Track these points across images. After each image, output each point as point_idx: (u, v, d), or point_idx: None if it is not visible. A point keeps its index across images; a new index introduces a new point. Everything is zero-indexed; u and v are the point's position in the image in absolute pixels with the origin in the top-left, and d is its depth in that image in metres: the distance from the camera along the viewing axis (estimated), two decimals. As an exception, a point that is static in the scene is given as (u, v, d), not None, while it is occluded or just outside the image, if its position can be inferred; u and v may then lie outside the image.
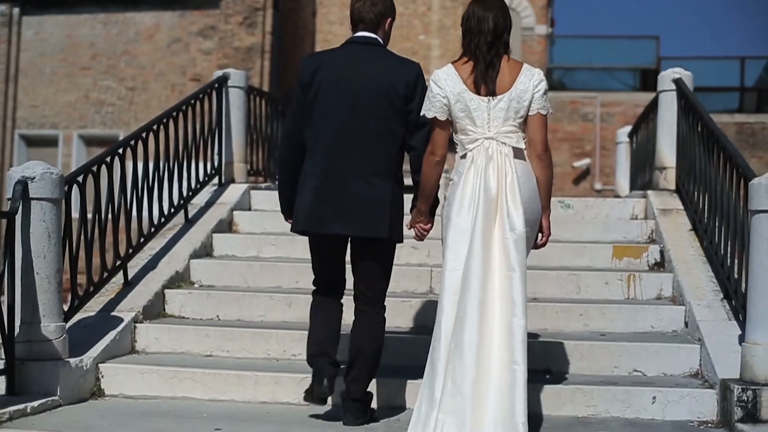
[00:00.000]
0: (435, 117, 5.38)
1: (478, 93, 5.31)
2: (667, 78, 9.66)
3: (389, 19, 5.82)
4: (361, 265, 5.78)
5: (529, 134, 5.40)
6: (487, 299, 5.14)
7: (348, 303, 5.98)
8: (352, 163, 5.62)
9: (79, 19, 25.56)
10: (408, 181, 5.85)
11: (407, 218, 5.82)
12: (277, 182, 11.09)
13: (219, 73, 10.09)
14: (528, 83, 5.34)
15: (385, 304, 5.90)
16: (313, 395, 5.76)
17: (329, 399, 5.98)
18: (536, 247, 5.64)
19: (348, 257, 5.90)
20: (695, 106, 8.50)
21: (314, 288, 5.99)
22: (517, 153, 5.32)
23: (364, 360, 5.74)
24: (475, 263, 5.15)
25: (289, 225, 6.03)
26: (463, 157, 5.36)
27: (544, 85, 5.41)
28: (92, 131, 25.33)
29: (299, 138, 5.76)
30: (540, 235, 5.59)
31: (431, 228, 5.79)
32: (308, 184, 5.68)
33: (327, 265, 5.89)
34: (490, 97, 5.31)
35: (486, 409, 5.05)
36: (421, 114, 5.46)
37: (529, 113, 5.35)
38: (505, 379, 5.07)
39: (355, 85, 5.63)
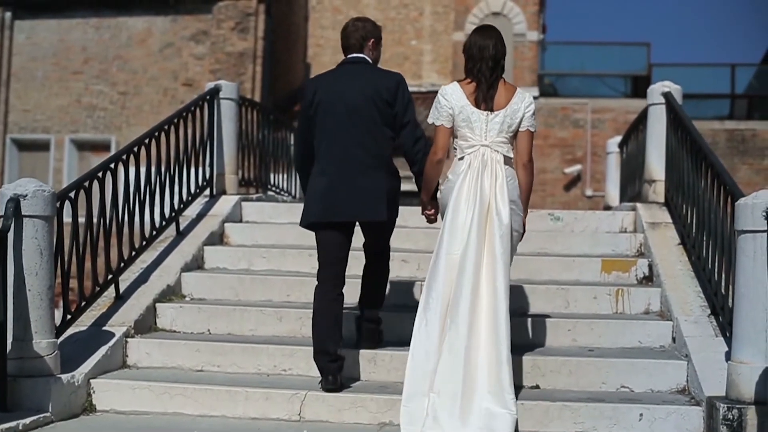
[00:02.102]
0: (442, 125, 6.32)
1: (478, 108, 6.26)
2: (656, 91, 9.72)
3: (372, 40, 6.87)
4: (369, 240, 6.98)
5: (518, 146, 6.35)
6: (479, 284, 6.02)
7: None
8: (353, 161, 6.60)
9: (72, 23, 25.57)
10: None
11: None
12: (269, 194, 11.24)
13: (211, 84, 10.12)
14: (520, 104, 6.32)
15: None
16: (324, 388, 6.46)
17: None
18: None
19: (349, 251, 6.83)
20: (684, 120, 8.55)
21: (318, 281, 6.68)
22: (506, 160, 6.27)
23: (374, 287, 6.97)
24: (471, 252, 6.02)
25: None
26: (461, 159, 6.28)
27: (533, 107, 6.39)
28: (84, 136, 25.34)
29: (308, 147, 6.79)
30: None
31: (436, 212, 6.68)
32: (318, 183, 6.67)
33: (333, 257, 6.64)
34: (489, 112, 6.27)
35: (477, 373, 5.87)
36: (430, 122, 6.39)
37: (520, 129, 6.32)
38: (493, 356, 5.91)
39: (348, 97, 6.65)
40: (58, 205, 6.49)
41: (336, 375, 6.45)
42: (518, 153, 6.34)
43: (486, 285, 6.02)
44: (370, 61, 6.86)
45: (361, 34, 6.83)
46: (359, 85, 6.66)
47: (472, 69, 6.35)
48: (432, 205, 6.66)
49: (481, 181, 6.15)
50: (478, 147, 6.24)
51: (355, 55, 6.84)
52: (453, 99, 6.30)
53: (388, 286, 7.32)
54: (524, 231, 6.53)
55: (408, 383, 5.99)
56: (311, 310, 7.39)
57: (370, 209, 6.60)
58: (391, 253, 7.19)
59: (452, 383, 5.84)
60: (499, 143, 6.25)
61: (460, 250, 6.04)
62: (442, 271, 6.07)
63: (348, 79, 6.73)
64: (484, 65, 6.30)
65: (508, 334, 5.95)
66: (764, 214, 5.66)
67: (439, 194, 6.43)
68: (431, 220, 6.75)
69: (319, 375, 6.61)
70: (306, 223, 6.76)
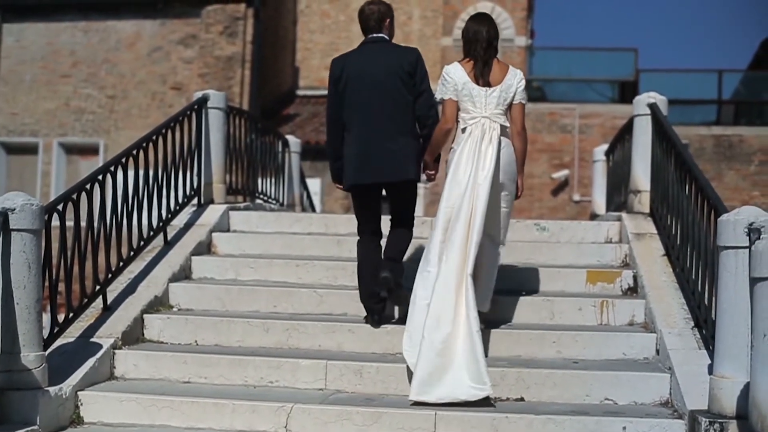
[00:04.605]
0: (449, 98, 7.26)
1: (477, 84, 7.21)
2: (642, 102, 9.76)
3: (388, 20, 7.71)
4: (396, 201, 7.71)
5: (512, 117, 7.34)
6: (470, 228, 6.92)
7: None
8: (382, 129, 7.46)
9: (60, 26, 25.57)
10: None
11: None
12: (257, 202, 11.26)
13: (199, 94, 10.14)
14: (513, 80, 7.31)
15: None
16: (369, 323, 7.49)
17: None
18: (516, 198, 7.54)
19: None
20: (668, 133, 8.60)
21: (360, 235, 7.74)
22: (503, 130, 7.22)
23: (397, 241, 7.66)
24: (465, 206, 6.95)
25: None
26: (464, 130, 7.21)
27: (523, 82, 7.40)
28: (72, 139, 25.34)
29: (339, 119, 7.61)
30: (516, 192, 7.49)
31: (436, 173, 7.66)
32: (352, 150, 7.53)
33: (368, 212, 7.69)
34: (487, 88, 7.22)
35: (462, 298, 6.74)
36: (438, 97, 7.34)
37: (513, 102, 7.30)
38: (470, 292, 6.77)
39: (373, 72, 7.50)
40: (46, 217, 6.50)
41: (381, 314, 7.46)
42: (513, 123, 7.31)
43: (475, 231, 6.94)
44: (388, 38, 7.70)
45: (377, 16, 7.65)
46: (384, 61, 7.53)
47: (469, 50, 7.31)
48: (434, 167, 7.62)
49: (480, 146, 7.07)
50: (479, 118, 7.19)
51: (375, 35, 7.67)
52: (456, 76, 7.25)
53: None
54: (521, 192, 7.55)
55: (410, 318, 6.93)
56: (298, 322, 7.54)
57: (401, 170, 7.47)
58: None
59: (443, 311, 6.69)
60: (497, 114, 7.21)
61: (456, 204, 6.96)
62: (440, 222, 7.02)
63: (373, 55, 7.59)
64: (479, 46, 7.24)
65: (471, 267, 6.85)
66: (746, 230, 5.71)
67: (445, 163, 7.29)
68: (431, 178, 7.68)
69: (304, 387, 6.84)
70: (347, 186, 7.66)
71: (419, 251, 7.77)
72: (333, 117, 7.70)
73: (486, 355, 6.79)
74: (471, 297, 6.77)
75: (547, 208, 24.53)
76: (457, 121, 7.30)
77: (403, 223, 7.75)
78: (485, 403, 6.42)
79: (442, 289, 6.79)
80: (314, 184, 23.32)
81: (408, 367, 6.76)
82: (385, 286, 7.38)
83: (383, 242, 7.76)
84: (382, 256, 7.63)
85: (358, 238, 7.77)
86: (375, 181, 7.55)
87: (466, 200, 6.98)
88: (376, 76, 7.49)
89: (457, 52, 24.07)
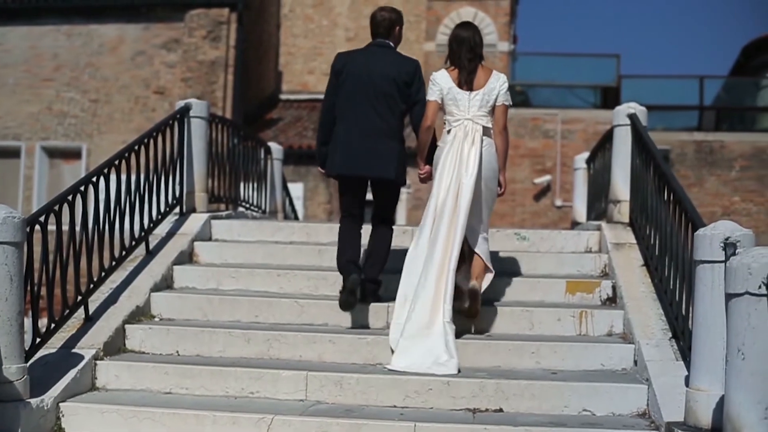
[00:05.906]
0: (435, 100, 7.76)
1: (461, 88, 7.69)
2: (622, 113, 9.80)
3: (398, 27, 8.17)
4: (377, 198, 8.21)
5: (495, 118, 7.78)
6: (454, 223, 7.50)
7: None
8: (371, 128, 7.92)
9: (43, 30, 25.55)
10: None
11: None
12: (239, 210, 11.28)
13: (181, 103, 10.15)
14: (496, 84, 7.76)
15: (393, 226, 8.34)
16: (345, 288, 7.73)
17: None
18: (498, 195, 7.95)
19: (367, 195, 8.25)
20: (648, 144, 8.65)
21: (341, 217, 8.20)
22: (486, 131, 7.71)
23: (377, 252, 8.11)
24: (449, 202, 7.53)
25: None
26: (449, 132, 7.73)
27: (506, 85, 7.84)
28: (55, 143, 25.32)
29: (333, 110, 8.06)
30: (499, 188, 7.92)
31: (428, 171, 7.99)
32: (341, 142, 7.98)
33: (352, 201, 8.13)
34: (470, 92, 7.69)
35: (441, 292, 7.34)
36: (428, 99, 7.78)
37: (496, 104, 7.74)
38: (450, 282, 7.41)
39: (372, 73, 7.94)
40: (27, 229, 6.52)
41: (357, 275, 7.80)
42: (495, 123, 7.77)
43: (459, 228, 7.48)
44: (393, 45, 8.11)
45: (388, 23, 8.09)
46: (384, 66, 7.94)
47: (454, 58, 7.79)
48: (424, 168, 8.00)
49: (461, 147, 7.60)
50: (462, 120, 7.68)
51: (381, 40, 8.10)
52: (442, 82, 7.72)
53: None
54: (505, 188, 7.97)
55: (396, 310, 7.51)
56: (279, 332, 7.57)
57: (383, 168, 7.93)
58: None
59: (423, 302, 7.29)
60: (479, 116, 7.69)
61: (441, 202, 7.53)
62: (429, 219, 7.58)
63: (375, 59, 8.01)
64: (463, 54, 7.71)
65: (455, 261, 7.47)
66: (722, 245, 5.77)
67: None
68: (423, 179, 8.06)
69: (285, 398, 6.82)
70: (333, 173, 8.09)
71: (402, 260, 7.86)
72: (329, 106, 8.12)
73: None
74: (450, 292, 7.34)
75: (529, 213, 24.62)
76: (444, 123, 7.78)
77: (383, 223, 8.20)
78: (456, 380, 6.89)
79: (424, 284, 7.37)
80: (297, 189, 23.36)
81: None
82: (371, 298, 7.96)
83: (364, 237, 8.27)
84: (364, 265, 8.04)
85: (340, 221, 8.22)
86: (359, 174, 7.98)
87: (450, 199, 7.53)
88: (374, 78, 7.92)
89: (440, 57, 24.20)
